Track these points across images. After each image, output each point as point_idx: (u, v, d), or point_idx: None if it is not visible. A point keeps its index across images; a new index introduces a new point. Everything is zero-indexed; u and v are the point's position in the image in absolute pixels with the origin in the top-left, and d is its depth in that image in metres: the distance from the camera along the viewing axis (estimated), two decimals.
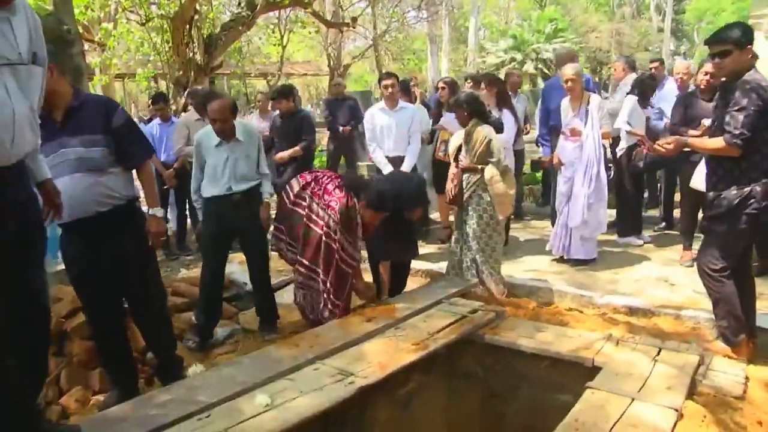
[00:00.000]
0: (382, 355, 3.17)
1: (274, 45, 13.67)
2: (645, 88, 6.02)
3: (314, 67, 21.62)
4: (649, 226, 6.51)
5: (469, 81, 7.18)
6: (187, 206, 6.75)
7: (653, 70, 6.99)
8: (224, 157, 4.06)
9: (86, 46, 11.31)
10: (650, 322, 4.20)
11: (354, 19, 12.27)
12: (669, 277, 4.99)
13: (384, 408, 3.17)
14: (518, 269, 5.39)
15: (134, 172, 3.31)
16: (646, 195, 7.24)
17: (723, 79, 3.50)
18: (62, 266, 5.84)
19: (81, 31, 11.71)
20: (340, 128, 8.08)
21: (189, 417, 2.58)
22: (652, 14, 33.34)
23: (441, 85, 6.95)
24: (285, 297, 5.13)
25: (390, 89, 5.60)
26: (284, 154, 6.61)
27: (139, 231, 3.22)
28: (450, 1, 19.69)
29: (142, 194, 3.37)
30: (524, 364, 3.41)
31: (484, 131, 4.67)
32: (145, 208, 3.33)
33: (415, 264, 5.02)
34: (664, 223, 6.61)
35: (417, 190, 4.09)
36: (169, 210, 7.04)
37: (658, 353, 3.20)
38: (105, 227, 3.08)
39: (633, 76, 6.38)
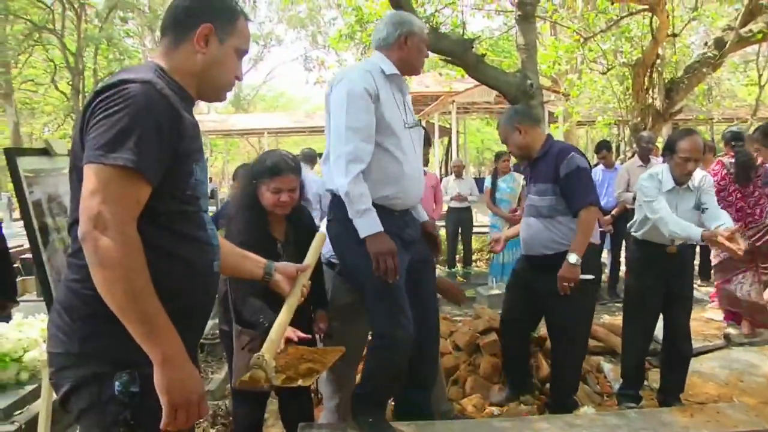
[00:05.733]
0: None
1: (747, 85, 12.18)
2: None
3: None
4: None
5: None
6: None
7: None
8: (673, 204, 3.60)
9: (552, 96, 12.36)
10: None
11: None
12: None
13: None
14: None
15: None
16: None
17: None
18: (497, 291, 6.62)
19: (550, 83, 12.86)
20: None
21: None
22: None
23: None
24: (704, 365, 4.68)
25: None
26: None
27: None
28: None
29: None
30: None
31: None
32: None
33: None
34: None
35: None
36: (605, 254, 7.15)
37: None
38: (546, 266, 3.35)
39: None
